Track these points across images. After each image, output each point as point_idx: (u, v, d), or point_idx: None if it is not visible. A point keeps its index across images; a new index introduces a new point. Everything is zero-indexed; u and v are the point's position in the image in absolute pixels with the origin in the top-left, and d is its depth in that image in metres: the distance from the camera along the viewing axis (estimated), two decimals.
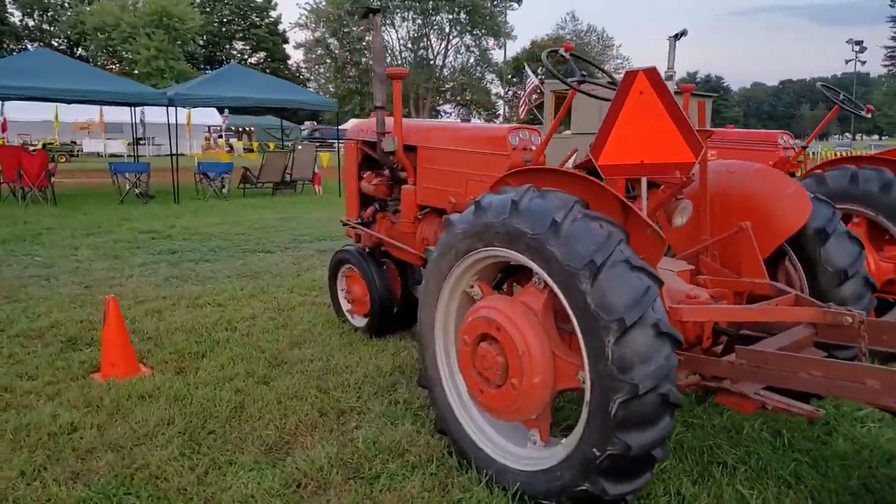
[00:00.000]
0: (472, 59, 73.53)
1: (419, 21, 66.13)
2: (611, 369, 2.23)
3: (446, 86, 74.96)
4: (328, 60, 64.19)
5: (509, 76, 75.28)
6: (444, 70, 72.96)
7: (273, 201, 15.47)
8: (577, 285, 2.30)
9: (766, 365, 2.52)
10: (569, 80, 3.37)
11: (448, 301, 2.97)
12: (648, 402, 2.24)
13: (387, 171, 4.57)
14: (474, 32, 70.84)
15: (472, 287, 2.91)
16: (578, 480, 2.38)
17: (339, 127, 20.31)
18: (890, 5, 50.62)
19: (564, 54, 3.45)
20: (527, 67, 23.27)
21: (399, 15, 65.33)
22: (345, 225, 5.00)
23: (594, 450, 2.32)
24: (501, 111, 75.44)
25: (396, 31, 66.93)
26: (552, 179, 2.70)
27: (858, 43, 49.88)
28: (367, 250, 4.76)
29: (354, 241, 4.89)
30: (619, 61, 77.18)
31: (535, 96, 23.77)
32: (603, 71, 3.63)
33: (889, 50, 49.99)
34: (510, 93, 77.61)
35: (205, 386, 3.89)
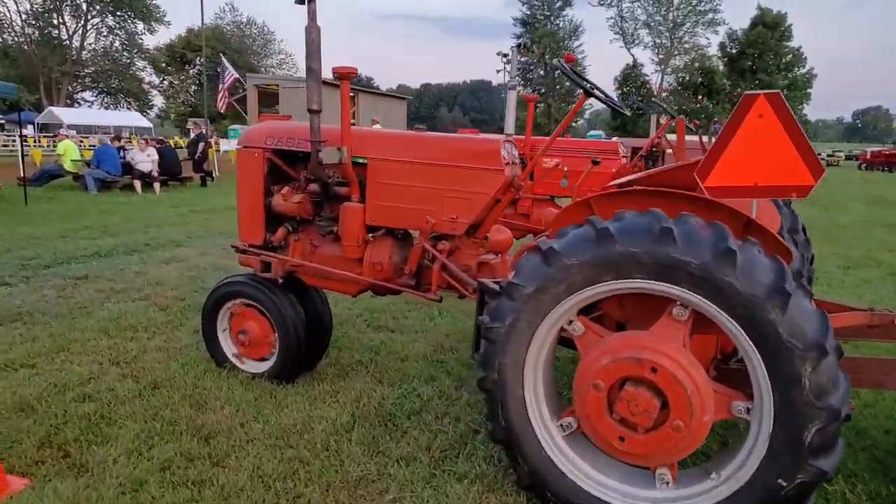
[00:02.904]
0: (116, 43, 65.44)
1: None
2: (808, 398, 2.21)
3: (86, 70, 65.36)
4: None
5: (164, 64, 69.03)
6: (84, 53, 63.43)
7: None
8: (765, 316, 2.22)
9: (860, 371, 2.78)
10: (580, 87, 3.22)
11: (544, 340, 2.61)
12: (836, 426, 2.28)
13: (311, 187, 3.78)
14: (118, 14, 63.06)
15: (570, 323, 2.60)
16: None
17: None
18: (513, 24, 60.00)
19: (564, 65, 3.28)
20: (224, 59, 21.55)
21: None
22: (241, 252, 4.00)
23: (780, 480, 2.29)
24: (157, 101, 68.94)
25: (17, 3, 55.88)
26: (658, 200, 2.57)
27: (505, 55, 57.94)
28: (278, 280, 3.89)
29: (257, 270, 3.94)
30: (282, 56, 76.84)
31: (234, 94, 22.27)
32: (589, 82, 3.52)
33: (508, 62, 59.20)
34: (166, 82, 71.26)
35: (135, 490, 2.77)
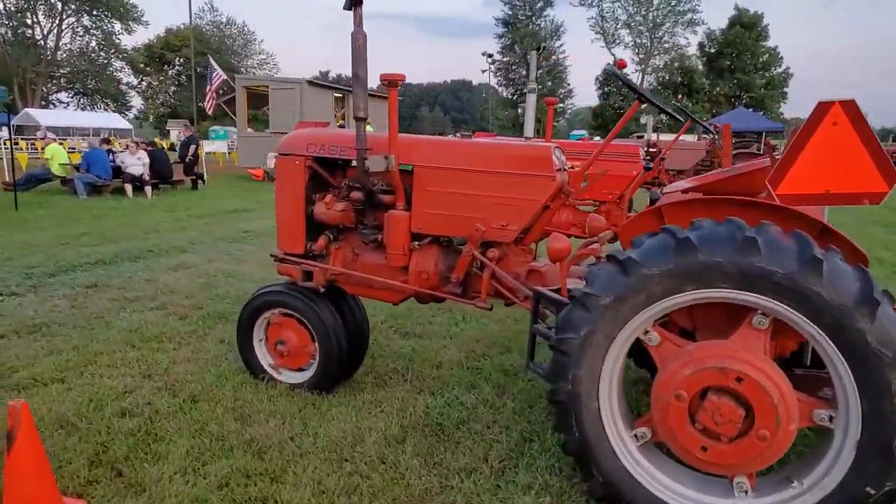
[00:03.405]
0: (93, 43, 64.40)
1: None
2: None
3: (61, 71, 64.25)
4: None
5: (142, 65, 68.06)
6: (59, 53, 62.35)
7: None
8: (853, 324, 2.23)
9: None
10: (636, 92, 3.21)
11: (619, 351, 2.59)
12: None
13: (354, 194, 3.72)
14: (94, 13, 62.06)
15: (646, 333, 2.59)
16: None
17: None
18: (495, 24, 60.21)
19: (618, 71, 3.27)
20: (212, 61, 21.29)
21: None
22: (281, 261, 3.93)
23: (868, 488, 2.29)
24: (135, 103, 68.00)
25: None
26: (730, 209, 2.57)
27: (490, 55, 58.13)
28: (319, 290, 3.83)
29: (299, 279, 3.86)
30: (262, 56, 76.15)
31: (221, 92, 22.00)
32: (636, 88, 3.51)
33: (495, 62, 59.45)
34: (144, 83, 70.29)
35: None
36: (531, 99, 6.16)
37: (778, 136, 30.73)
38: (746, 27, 57.06)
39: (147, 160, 15.24)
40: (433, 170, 3.49)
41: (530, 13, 58.63)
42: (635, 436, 2.66)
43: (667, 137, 21.03)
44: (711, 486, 2.60)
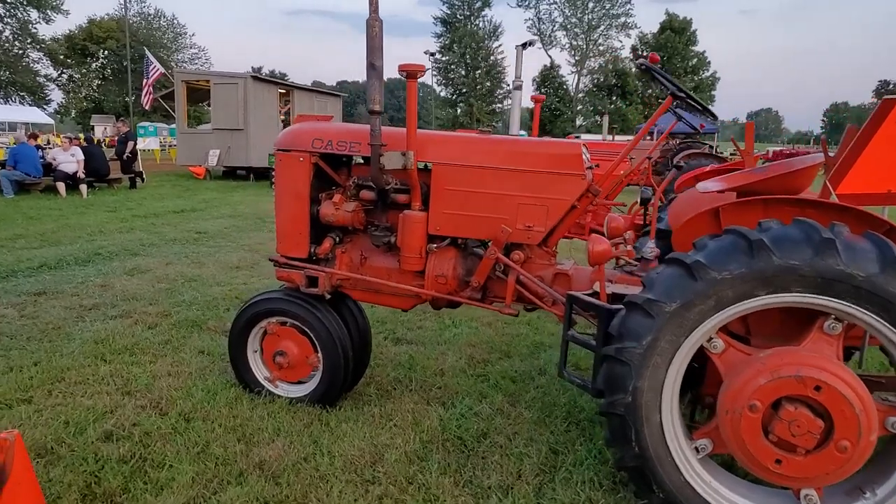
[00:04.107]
0: (6, 32, 60.57)
1: None
2: None
3: None
4: None
5: (62, 56, 64.48)
6: None
7: None
8: None
9: None
10: (670, 89, 3.09)
11: (684, 359, 2.45)
12: None
13: (364, 194, 3.46)
14: (8, 1, 58.35)
15: (710, 340, 2.45)
16: None
17: None
18: (434, 23, 60.12)
19: (651, 65, 3.13)
20: (149, 53, 20.22)
21: None
22: (282, 266, 3.61)
23: None
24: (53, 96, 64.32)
25: None
26: (796, 209, 2.48)
27: (433, 54, 57.90)
28: (324, 296, 3.55)
29: (302, 285, 3.56)
30: (193, 51, 73.49)
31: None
32: (674, 83, 3.35)
33: (433, 59, 59.34)
34: (65, 76, 66.60)
35: None
36: (517, 95, 6.01)
37: (711, 137, 31.72)
38: (676, 32, 59.03)
39: (81, 157, 14.31)
40: (454, 167, 3.27)
41: (469, 13, 58.79)
42: (696, 448, 2.52)
43: (622, 139, 21.35)
44: (776, 500, 2.50)
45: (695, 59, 61.27)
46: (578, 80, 61.76)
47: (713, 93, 62.25)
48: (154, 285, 6.47)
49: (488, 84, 60.02)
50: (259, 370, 3.75)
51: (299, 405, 3.61)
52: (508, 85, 59.63)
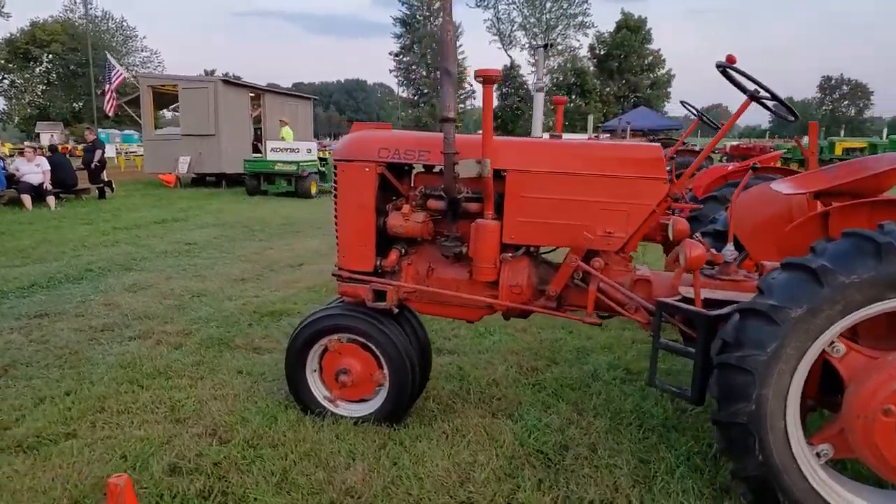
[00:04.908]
0: None
1: None
2: None
3: None
4: None
5: (3, 61, 61.95)
6: None
7: None
8: None
9: None
10: (748, 91, 3.04)
11: (808, 365, 2.41)
12: None
13: (433, 203, 3.33)
14: None
15: (832, 344, 2.42)
16: None
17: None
18: (393, 24, 59.89)
19: (731, 68, 3.08)
20: (111, 58, 19.52)
21: None
22: (347, 280, 3.45)
23: None
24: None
25: None
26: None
27: (397, 55, 57.62)
28: (392, 310, 3.42)
29: (368, 299, 3.41)
30: (145, 54, 71.45)
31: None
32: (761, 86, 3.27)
33: (396, 60, 59.08)
34: (6, 81, 63.99)
35: None
36: (539, 98, 5.93)
37: (677, 133, 32.32)
38: (632, 30, 59.99)
39: (47, 167, 13.71)
40: (530, 174, 3.18)
41: (428, 13, 58.64)
42: (817, 454, 2.49)
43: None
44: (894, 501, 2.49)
45: (650, 57, 62.37)
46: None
47: (669, 90, 63.48)
48: (161, 302, 6.19)
49: None
50: (318, 390, 3.59)
51: (364, 424, 3.47)
52: (471, 85, 59.78)
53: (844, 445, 2.46)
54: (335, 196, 3.46)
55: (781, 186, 3.22)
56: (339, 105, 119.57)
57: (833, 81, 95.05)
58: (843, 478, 2.57)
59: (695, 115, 6.18)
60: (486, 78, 2.94)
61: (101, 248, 9.00)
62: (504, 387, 4.13)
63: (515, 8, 60.05)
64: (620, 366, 4.49)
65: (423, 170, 3.55)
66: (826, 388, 2.65)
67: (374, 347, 3.43)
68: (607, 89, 61.02)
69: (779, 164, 6.61)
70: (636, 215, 3.15)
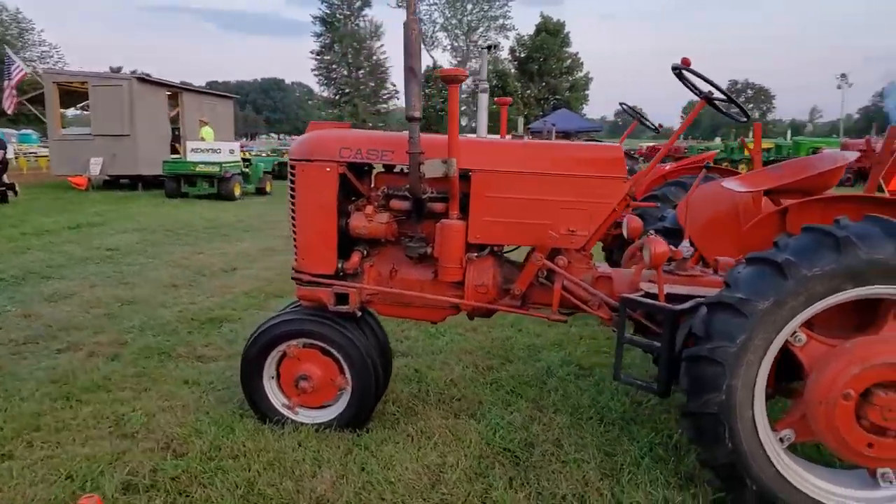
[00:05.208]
0: None
1: None
2: None
3: None
4: None
5: None
6: None
7: None
8: None
9: None
10: (702, 92, 3.15)
11: (773, 355, 2.52)
12: None
13: (396, 203, 3.27)
14: None
15: (794, 334, 2.54)
16: None
17: None
18: (313, 23, 58.84)
19: (686, 69, 3.18)
20: (9, 51, 18.20)
21: None
22: (307, 284, 3.33)
23: None
24: None
25: None
26: (852, 206, 2.64)
27: (318, 54, 56.65)
28: (356, 314, 3.34)
29: (329, 303, 3.31)
30: (43, 48, 67.10)
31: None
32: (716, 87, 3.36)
33: (317, 59, 58.07)
34: None
35: None
36: (483, 98, 5.96)
37: (597, 134, 33.38)
38: (551, 34, 61.43)
39: None
40: (496, 174, 3.18)
41: (349, 12, 58.00)
42: (780, 439, 2.61)
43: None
44: (852, 479, 2.64)
45: (569, 60, 64.02)
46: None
47: (586, 92, 65.38)
48: (88, 311, 5.83)
49: (372, 84, 59.53)
50: (276, 397, 3.47)
51: (327, 431, 3.38)
52: (394, 85, 59.60)
53: (806, 430, 2.59)
54: (292, 197, 3.35)
55: (733, 185, 3.36)
56: (255, 104, 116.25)
57: (738, 85, 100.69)
58: (801, 460, 2.70)
59: (633, 116, 6.35)
60: (450, 78, 2.92)
61: (9, 256, 8.37)
62: (462, 387, 4.12)
63: (437, 9, 60.28)
64: (573, 361, 4.58)
65: (383, 170, 3.49)
66: (781, 376, 2.78)
67: (335, 352, 3.34)
68: (528, 91, 62.17)
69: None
70: (598, 214, 3.20)
